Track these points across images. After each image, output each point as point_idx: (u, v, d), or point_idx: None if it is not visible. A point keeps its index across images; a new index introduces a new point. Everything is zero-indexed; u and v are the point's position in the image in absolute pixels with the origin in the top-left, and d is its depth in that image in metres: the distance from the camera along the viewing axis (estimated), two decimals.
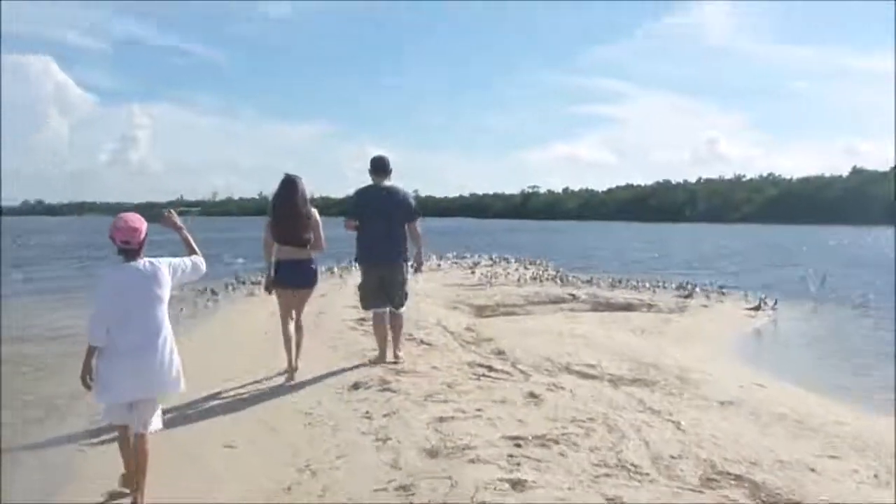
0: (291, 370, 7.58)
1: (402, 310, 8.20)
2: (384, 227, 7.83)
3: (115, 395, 4.28)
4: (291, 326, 7.67)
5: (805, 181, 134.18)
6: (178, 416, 6.28)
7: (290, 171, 7.72)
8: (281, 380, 7.59)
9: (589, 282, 19.34)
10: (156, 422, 4.45)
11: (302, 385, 7.35)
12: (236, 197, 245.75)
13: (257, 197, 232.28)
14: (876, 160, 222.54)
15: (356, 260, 8.29)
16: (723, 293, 17.33)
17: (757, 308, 15.04)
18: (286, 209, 7.48)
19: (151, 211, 4.76)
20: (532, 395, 6.89)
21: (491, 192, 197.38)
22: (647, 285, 18.76)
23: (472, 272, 21.77)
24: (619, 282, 19.50)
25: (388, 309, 8.07)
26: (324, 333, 9.99)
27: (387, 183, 7.95)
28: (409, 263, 8.13)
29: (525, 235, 62.75)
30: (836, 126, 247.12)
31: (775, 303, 15.42)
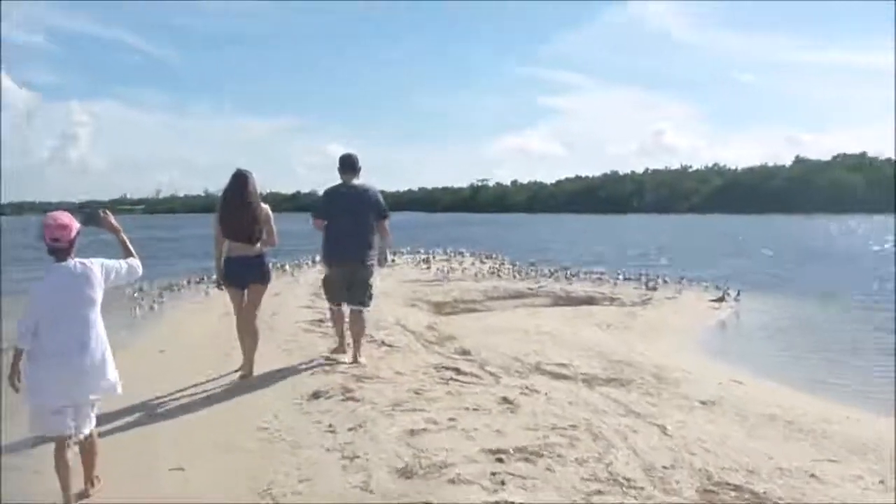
0: (247, 368, 7.41)
1: (367, 310, 7.93)
2: (353, 226, 7.65)
3: (44, 398, 4.11)
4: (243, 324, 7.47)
5: (750, 171, 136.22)
6: (124, 429, 5.80)
7: (240, 166, 7.38)
8: (233, 382, 7.19)
9: (547, 275, 18.98)
10: (89, 423, 4.34)
11: (256, 395, 6.81)
12: (181, 194, 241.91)
13: (203, 194, 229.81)
14: (818, 150, 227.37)
15: (323, 258, 8.17)
16: (683, 284, 17.08)
17: (720, 300, 14.81)
18: (236, 204, 7.21)
19: (88, 210, 4.67)
20: (506, 400, 6.44)
21: (440, 186, 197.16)
22: (607, 278, 18.48)
23: (428, 267, 21.35)
24: (576, 274, 19.20)
25: (349, 308, 7.93)
26: (278, 336, 9.42)
27: (356, 181, 7.78)
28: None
29: (477, 229, 62.33)
30: (778, 117, 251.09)
31: (738, 293, 15.20)
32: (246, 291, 7.38)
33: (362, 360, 7.79)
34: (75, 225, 4.22)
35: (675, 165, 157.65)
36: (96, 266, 4.28)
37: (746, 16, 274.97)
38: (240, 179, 7.27)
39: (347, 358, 7.88)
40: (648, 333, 11.07)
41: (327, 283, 8.09)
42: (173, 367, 8.21)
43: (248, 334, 7.42)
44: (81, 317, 4.19)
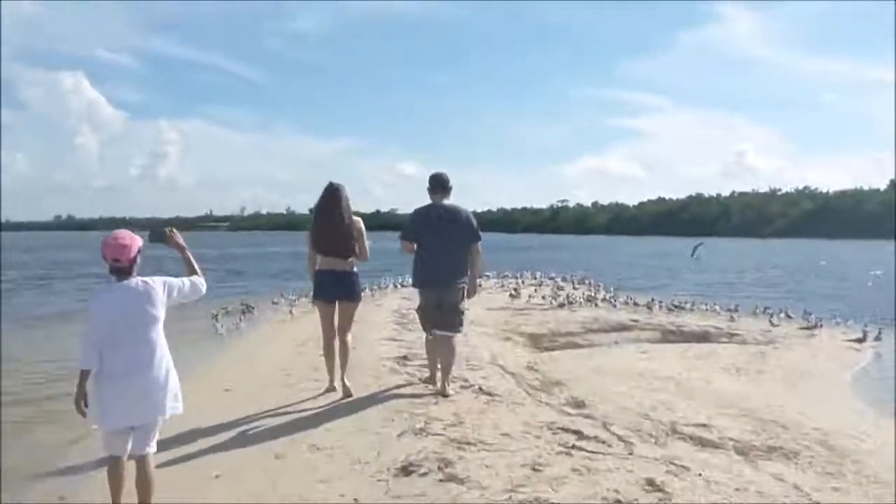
0: (332, 388, 7.43)
1: (458, 336, 7.54)
2: (444, 248, 7.25)
3: (112, 420, 4.09)
4: (335, 343, 7.38)
5: (842, 195, 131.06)
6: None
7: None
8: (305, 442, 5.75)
9: (647, 305, 17.30)
10: (153, 445, 4.28)
11: (331, 460, 5.45)
12: (264, 211, 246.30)
13: (285, 212, 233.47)
14: None
15: (414, 281, 7.69)
16: (811, 321, 15.18)
17: (861, 340, 12.91)
18: (329, 219, 7.17)
19: (155, 228, 4.59)
20: (652, 483, 4.92)
21: (519, 207, 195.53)
22: (718, 309, 16.69)
23: (517, 293, 19.90)
24: (680, 305, 17.45)
25: (438, 333, 7.40)
26: (357, 376, 8.07)
27: (446, 201, 7.38)
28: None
29: (562, 252, 60.55)
30: (865, 139, 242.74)
31: (879, 332, 13.25)
32: (336, 309, 7.30)
33: (450, 391, 7.34)
34: (136, 244, 4.18)
35: (759, 188, 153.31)
36: (158, 284, 4.23)
37: (827, 36, 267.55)
38: (332, 193, 7.20)
39: (435, 387, 7.48)
40: (789, 381, 9.35)
41: (422, 311, 7.56)
42: (237, 409, 6.96)
43: (339, 353, 7.36)
44: (144, 336, 4.14)
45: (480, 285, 8.41)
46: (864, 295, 23.73)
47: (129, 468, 4.24)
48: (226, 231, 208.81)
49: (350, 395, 7.21)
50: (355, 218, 7.28)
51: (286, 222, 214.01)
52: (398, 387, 7.72)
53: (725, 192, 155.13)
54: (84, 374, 4.08)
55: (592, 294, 19.59)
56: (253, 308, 16.85)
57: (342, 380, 7.35)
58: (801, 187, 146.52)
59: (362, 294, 7.95)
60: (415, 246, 7.39)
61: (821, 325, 14.00)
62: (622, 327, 14.37)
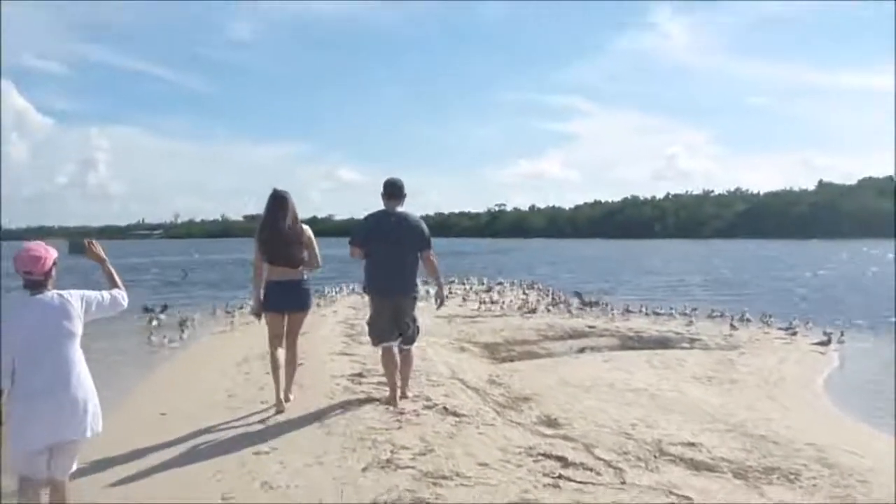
0: (280, 403, 6.96)
1: (414, 346, 7.40)
2: (396, 256, 7.02)
3: (29, 441, 3.87)
4: (280, 354, 6.98)
5: (774, 195, 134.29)
6: None
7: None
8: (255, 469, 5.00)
9: (601, 307, 16.87)
10: (68, 468, 4.08)
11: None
12: (198, 219, 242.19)
13: (219, 219, 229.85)
14: (835, 174, 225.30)
15: (367, 289, 7.41)
16: (768, 323, 14.86)
17: (825, 343, 12.54)
18: (276, 227, 6.84)
19: (74, 239, 4.24)
20: None
21: (456, 211, 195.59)
22: (673, 313, 16.31)
23: (464, 299, 19.34)
24: (634, 309, 17.06)
25: (395, 347, 7.16)
26: (309, 398, 7.36)
27: (399, 209, 7.14)
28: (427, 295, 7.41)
29: (504, 257, 60.27)
30: (792, 141, 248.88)
31: (841, 335, 12.92)
32: (286, 319, 7.02)
33: (410, 395, 7.32)
34: (51, 255, 4.01)
35: (690, 190, 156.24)
36: (75, 298, 4.06)
37: (755, 42, 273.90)
38: (278, 200, 6.91)
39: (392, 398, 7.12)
40: (764, 390, 8.89)
41: (374, 321, 7.23)
42: (173, 436, 6.19)
43: (285, 362, 7.03)
44: (61, 352, 3.95)
45: (443, 295, 7.92)
46: (818, 295, 23.77)
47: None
48: (159, 239, 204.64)
49: (282, 411, 6.89)
50: (304, 226, 7.03)
51: (220, 230, 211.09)
52: (355, 407, 7.00)
53: (659, 195, 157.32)
54: None
55: (541, 299, 19.09)
56: (191, 320, 15.89)
57: (286, 392, 7.09)
58: (732, 189, 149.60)
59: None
60: (363, 252, 7.13)
61: (795, 332, 13.59)
62: (579, 334, 13.91)
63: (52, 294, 4.01)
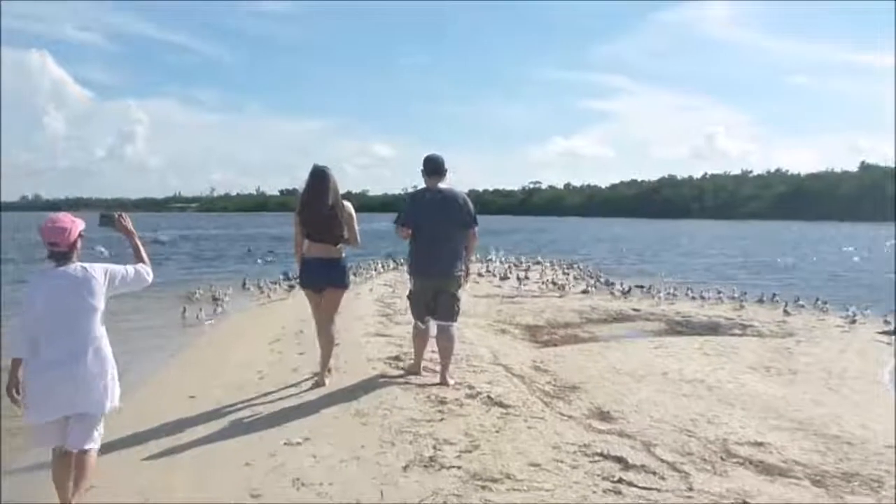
0: (323, 375, 7.08)
1: (455, 325, 7.16)
2: (441, 235, 6.88)
3: (44, 411, 3.89)
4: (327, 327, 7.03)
5: (815, 177, 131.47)
6: None
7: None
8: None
9: (646, 290, 16.27)
10: (94, 441, 4.04)
11: None
12: (234, 193, 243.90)
13: (255, 193, 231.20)
14: (877, 155, 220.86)
15: (411, 269, 7.27)
16: (824, 310, 14.15)
17: (891, 333, 11.80)
18: (317, 203, 6.75)
19: (104, 212, 4.37)
20: None
21: (491, 189, 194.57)
22: (722, 297, 15.67)
23: (502, 279, 18.84)
24: (679, 291, 16.43)
25: (434, 324, 7.07)
26: (345, 384, 6.95)
27: (442, 185, 6.99)
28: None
29: (541, 235, 59.53)
30: (834, 121, 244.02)
31: None
32: (323, 294, 6.95)
33: (451, 381, 7.01)
34: (77, 227, 3.97)
35: (728, 170, 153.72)
36: (99, 271, 4.02)
37: (797, 19, 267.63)
38: (319, 176, 6.81)
39: (434, 378, 7.10)
40: (828, 384, 8.27)
41: (414, 298, 7.20)
42: (201, 423, 5.80)
43: (322, 344, 7.07)
44: (81, 326, 3.94)
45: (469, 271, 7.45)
46: (868, 279, 22.96)
47: None
48: (195, 212, 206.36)
49: (322, 384, 6.98)
50: (345, 203, 6.90)
51: (256, 203, 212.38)
52: (394, 395, 6.55)
53: (696, 175, 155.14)
54: (15, 364, 3.91)
55: (592, 281, 18.53)
56: (224, 298, 15.56)
57: (322, 373, 7.11)
58: (772, 170, 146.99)
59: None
60: (410, 231, 6.94)
61: (854, 320, 12.85)
62: (623, 317, 13.38)
63: (76, 266, 3.97)
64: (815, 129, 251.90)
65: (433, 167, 6.97)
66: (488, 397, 6.57)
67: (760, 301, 15.16)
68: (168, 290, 16.42)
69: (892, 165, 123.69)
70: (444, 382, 6.94)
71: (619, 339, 10.94)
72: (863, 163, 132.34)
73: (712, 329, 12.26)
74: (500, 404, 6.38)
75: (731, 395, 7.38)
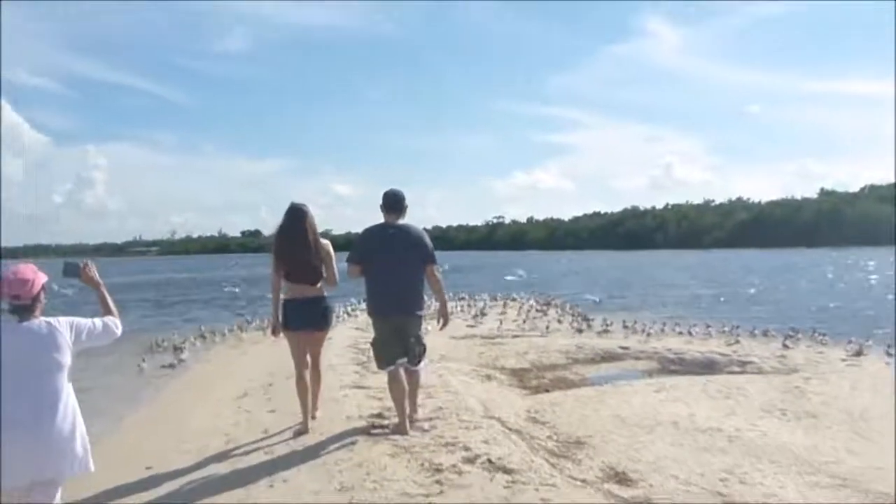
0: (307, 423, 6.76)
1: (421, 366, 6.79)
2: (399, 272, 6.52)
3: (9, 476, 3.55)
4: (307, 375, 6.78)
5: (776, 204, 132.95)
6: None
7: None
8: None
9: (630, 327, 15.59)
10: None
11: None
12: (195, 235, 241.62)
13: (216, 234, 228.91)
14: (833, 181, 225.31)
15: (369, 311, 6.87)
16: (822, 342, 13.54)
17: None
18: (296, 242, 6.60)
19: (70, 261, 4.16)
20: None
21: (454, 224, 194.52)
22: (711, 332, 15.02)
23: (481, 317, 18.09)
24: (665, 326, 15.77)
25: (403, 365, 6.60)
26: (325, 451, 6.11)
27: (399, 221, 6.66)
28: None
29: (509, 271, 58.84)
30: (788, 149, 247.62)
31: None
32: (306, 336, 6.77)
33: (418, 418, 6.82)
34: (40, 279, 3.79)
35: (690, 199, 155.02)
36: (64, 326, 3.78)
37: (747, 49, 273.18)
38: (297, 214, 6.69)
39: (424, 438, 6.40)
40: (854, 427, 7.56)
41: (377, 343, 6.74)
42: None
43: (311, 381, 6.85)
44: (47, 384, 3.67)
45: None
46: (852, 307, 22.56)
47: None
48: (155, 256, 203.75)
49: (306, 432, 6.72)
50: (323, 241, 6.77)
51: (218, 245, 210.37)
52: (381, 463, 5.71)
53: (659, 205, 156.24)
54: None
55: (561, 316, 17.84)
56: (185, 347, 14.63)
57: (312, 410, 6.95)
58: (733, 198, 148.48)
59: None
60: (361, 270, 6.62)
61: (860, 352, 12.24)
62: (612, 356, 12.65)
63: (40, 321, 3.76)
64: (771, 157, 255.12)
65: (392, 202, 6.66)
66: (489, 461, 5.76)
67: (752, 334, 14.54)
68: (126, 341, 15.41)
69: (850, 191, 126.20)
70: (410, 420, 6.66)
71: (614, 382, 10.16)
72: (822, 189, 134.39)
73: (709, 367, 11.57)
74: (504, 469, 5.58)
75: (755, 446, 6.64)
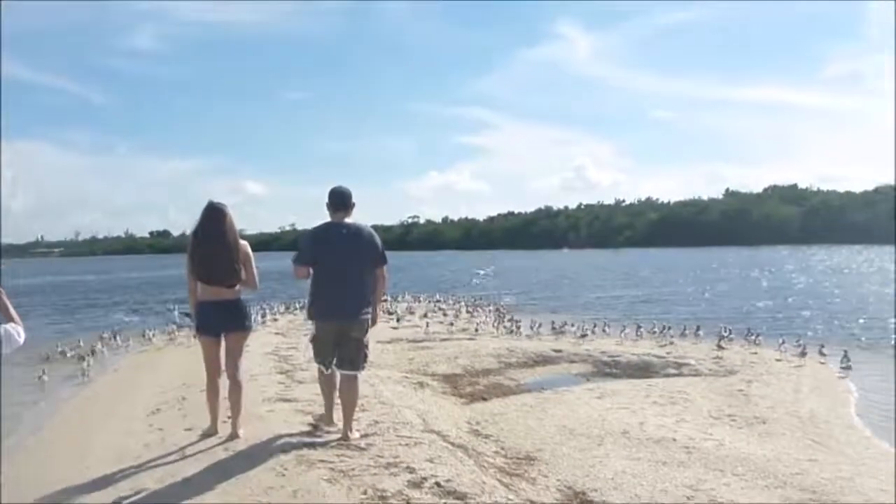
0: (215, 426, 6.52)
1: (361, 374, 6.45)
2: (348, 273, 6.24)
3: None
4: (221, 382, 6.45)
5: (684, 205, 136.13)
6: None
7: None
8: None
9: (558, 329, 15.25)
10: None
11: None
12: (101, 236, 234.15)
13: (123, 235, 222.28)
14: (738, 182, 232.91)
15: (311, 312, 6.51)
16: (755, 342, 13.39)
17: (847, 367, 11.01)
18: (212, 243, 6.20)
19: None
20: None
21: (370, 224, 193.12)
22: (642, 333, 14.80)
23: (399, 320, 17.54)
24: (595, 328, 15.49)
25: (339, 372, 6.38)
26: (252, 484, 5.44)
27: (347, 220, 6.39)
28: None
29: (429, 270, 58.38)
30: (696, 153, 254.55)
31: (845, 356, 11.38)
32: (223, 341, 6.39)
33: (354, 435, 6.31)
34: None
35: (599, 200, 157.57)
36: None
37: (657, 55, 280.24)
38: (215, 213, 6.30)
39: (363, 459, 5.75)
40: (807, 434, 7.28)
41: (317, 343, 6.48)
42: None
43: (230, 390, 6.42)
44: None
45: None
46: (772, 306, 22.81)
47: None
48: (59, 257, 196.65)
49: (213, 434, 6.48)
50: (241, 242, 6.36)
51: (125, 246, 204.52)
52: (320, 492, 5.09)
53: (569, 205, 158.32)
54: None
55: (491, 318, 17.41)
56: (90, 356, 13.63)
57: (235, 426, 6.42)
58: (643, 198, 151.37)
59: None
60: (310, 271, 6.34)
61: (805, 353, 12.20)
62: (546, 360, 12.29)
63: None
64: (678, 160, 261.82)
65: (339, 200, 6.39)
66: (437, 484, 5.19)
67: (683, 335, 14.35)
68: (24, 349, 14.29)
69: (754, 192, 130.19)
70: (345, 438, 6.23)
71: (554, 388, 9.74)
72: (727, 190, 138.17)
73: (645, 369, 11.29)
74: (455, 494, 5.02)
75: (715, 457, 6.28)
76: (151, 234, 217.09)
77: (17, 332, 3.92)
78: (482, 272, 39.99)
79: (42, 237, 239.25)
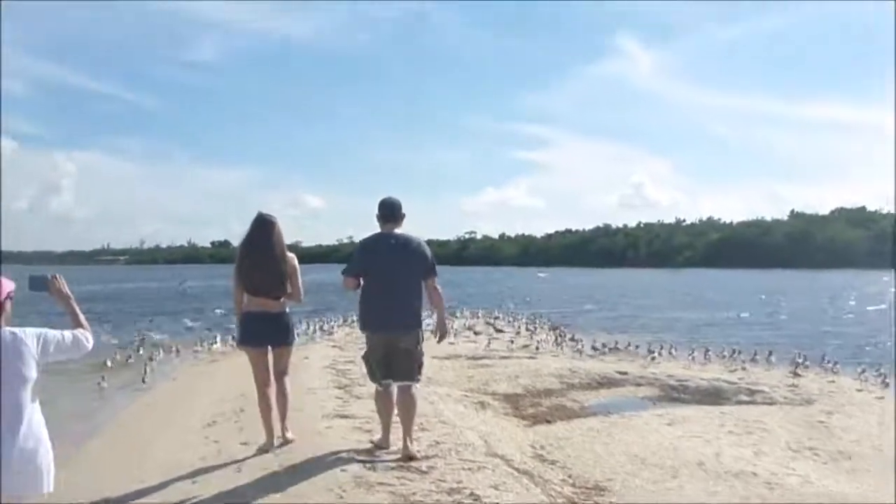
0: (270, 442, 6.37)
1: (417, 385, 6.31)
2: (396, 285, 6.14)
3: None
4: (271, 392, 6.39)
5: (747, 225, 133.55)
6: None
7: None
8: None
9: (622, 350, 14.81)
10: None
11: None
12: (164, 245, 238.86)
13: (185, 244, 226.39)
14: (801, 203, 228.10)
15: (361, 324, 6.50)
16: (834, 369, 12.83)
17: None
18: (260, 254, 6.20)
19: (37, 273, 3.87)
20: None
21: (425, 239, 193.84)
22: (711, 356, 14.30)
23: (455, 335, 17.24)
24: (663, 350, 15.01)
25: (396, 384, 6.18)
26: (308, 498, 5.19)
27: (398, 231, 6.28)
28: (428, 329, 6.70)
29: (487, 286, 57.98)
30: (755, 171, 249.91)
31: None
32: (270, 355, 6.40)
33: (413, 447, 6.10)
34: (5, 287, 3.52)
35: (662, 219, 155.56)
36: (30, 337, 3.51)
37: (717, 71, 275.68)
38: (265, 225, 6.33)
39: (423, 483, 5.46)
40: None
41: (368, 360, 6.35)
42: None
43: (277, 400, 6.42)
44: (11, 398, 3.42)
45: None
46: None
47: None
48: (125, 265, 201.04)
49: (268, 451, 6.33)
50: (289, 254, 6.38)
51: (186, 255, 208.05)
52: None
53: (631, 224, 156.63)
54: None
55: (558, 337, 17.04)
56: (153, 359, 13.67)
57: (283, 430, 6.50)
58: (704, 218, 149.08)
59: None
60: (360, 282, 6.25)
61: (887, 382, 11.58)
62: (611, 382, 11.88)
63: (4, 331, 3.51)
64: (737, 177, 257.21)
65: (388, 211, 6.33)
66: None
67: (755, 360, 13.80)
68: (87, 355, 14.36)
69: (819, 213, 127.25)
70: (405, 451, 6.05)
71: (621, 412, 9.35)
72: (793, 211, 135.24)
73: (715, 395, 10.83)
74: None
75: (800, 494, 5.85)
76: (213, 244, 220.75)
77: (86, 337, 3.82)
78: (543, 275, 39.74)
79: (108, 244, 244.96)
